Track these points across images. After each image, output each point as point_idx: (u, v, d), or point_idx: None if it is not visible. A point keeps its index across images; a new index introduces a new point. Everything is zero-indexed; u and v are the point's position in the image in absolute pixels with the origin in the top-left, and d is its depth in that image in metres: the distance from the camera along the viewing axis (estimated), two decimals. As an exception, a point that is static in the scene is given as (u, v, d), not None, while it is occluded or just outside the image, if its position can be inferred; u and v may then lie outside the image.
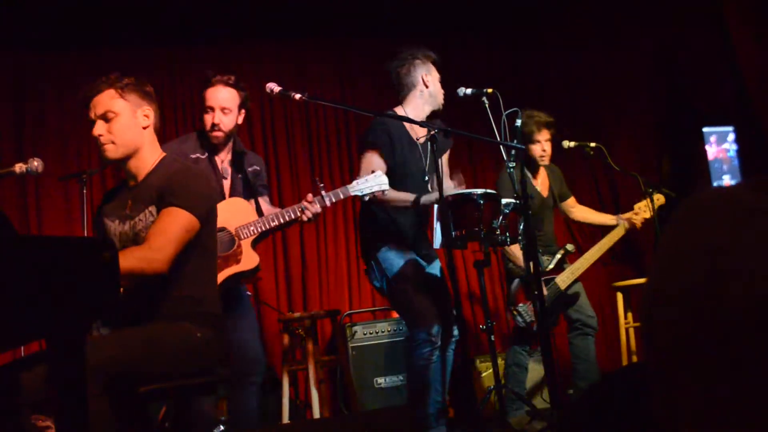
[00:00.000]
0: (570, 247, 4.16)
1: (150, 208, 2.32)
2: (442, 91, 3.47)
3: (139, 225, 2.32)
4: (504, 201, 3.10)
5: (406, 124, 3.36)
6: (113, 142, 2.35)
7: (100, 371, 1.90)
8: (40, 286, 1.49)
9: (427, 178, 3.37)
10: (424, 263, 3.37)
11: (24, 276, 1.48)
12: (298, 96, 2.85)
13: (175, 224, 2.20)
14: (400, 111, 3.42)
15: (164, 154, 2.47)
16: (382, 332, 4.81)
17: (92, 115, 2.36)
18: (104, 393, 1.91)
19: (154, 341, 2.14)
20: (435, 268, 3.45)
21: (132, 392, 2.07)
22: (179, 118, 5.82)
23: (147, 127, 2.41)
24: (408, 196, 3.22)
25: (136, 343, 2.10)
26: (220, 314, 2.41)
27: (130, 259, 2.04)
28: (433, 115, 3.47)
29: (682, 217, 0.57)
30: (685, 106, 5.28)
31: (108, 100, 2.35)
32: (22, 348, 3.88)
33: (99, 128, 2.34)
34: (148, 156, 2.41)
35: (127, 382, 2.05)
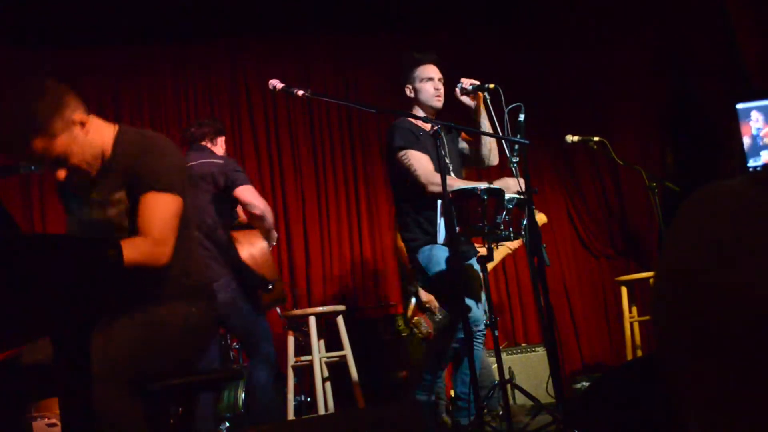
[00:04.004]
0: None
1: (119, 194, 2.20)
2: (435, 95, 3.43)
3: (111, 212, 2.22)
4: (507, 196, 3.10)
5: (422, 128, 3.38)
6: (81, 168, 2.20)
7: (119, 375, 1.89)
8: (44, 284, 1.50)
9: (452, 170, 3.38)
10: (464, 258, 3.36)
11: (28, 274, 1.49)
12: (300, 92, 2.84)
13: (168, 212, 2.15)
14: (410, 118, 3.41)
15: (116, 127, 2.28)
16: (387, 328, 4.82)
17: (39, 163, 2.21)
18: (131, 395, 1.90)
19: (155, 336, 2.12)
20: (473, 262, 3.46)
21: (144, 389, 2.05)
22: (182, 115, 5.83)
23: (88, 130, 2.19)
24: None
25: (138, 343, 2.08)
26: (208, 282, 2.37)
27: (135, 254, 2.01)
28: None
29: (688, 210, 0.57)
30: (696, 92, 5.20)
31: (45, 148, 2.09)
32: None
33: (61, 173, 2.17)
34: (106, 139, 2.24)
35: (141, 379, 2.02)
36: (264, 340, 3.54)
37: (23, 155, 2.10)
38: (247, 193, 3.52)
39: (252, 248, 3.66)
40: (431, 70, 3.46)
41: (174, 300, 2.21)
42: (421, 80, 3.44)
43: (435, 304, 4.14)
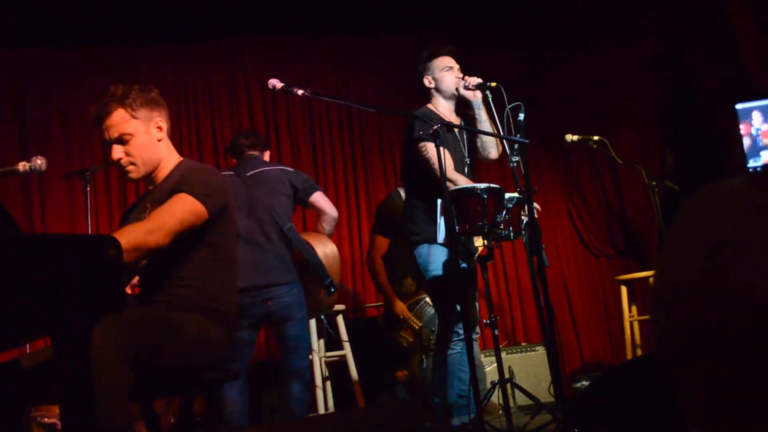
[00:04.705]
0: None
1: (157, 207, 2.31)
2: (452, 81, 3.46)
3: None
4: (507, 195, 3.10)
5: (443, 116, 3.39)
6: (134, 164, 2.38)
7: (125, 348, 1.88)
8: (44, 284, 1.50)
9: (468, 167, 3.43)
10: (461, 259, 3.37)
11: (28, 274, 1.49)
12: (300, 92, 2.83)
13: (179, 204, 2.20)
14: (430, 106, 3.48)
15: (181, 158, 2.49)
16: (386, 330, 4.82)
17: (107, 137, 2.37)
18: (130, 369, 1.88)
19: (173, 327, 2.13)
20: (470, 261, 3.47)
21: (146, 377, 2.04)
22: (182, 115, 5.83)
23: (162, 139, 2.44)
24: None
25: (156, 326, 2.09)
26: (235, 313, 2.40)
27: (128, 234, 2.01)
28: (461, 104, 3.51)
29: (687, 211, 0.57)
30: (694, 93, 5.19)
31: (120, 122, 2.34)
32: (27, 345, 3.90)
33: (117, 152, 2.36)
34: (168, 164, 2.44)
35: (146, 363, 2.00)
36: (302, 354, 3.60)
37: (102, 118, 2.35)
38: (321, 199, 3.77)
39: (326, 248, 3.81)
40: (450, 60, 3.51)
41: (194, 312, 2.23)
42: (442, 70, 3.48)
43: (407, 314, 4.28)
